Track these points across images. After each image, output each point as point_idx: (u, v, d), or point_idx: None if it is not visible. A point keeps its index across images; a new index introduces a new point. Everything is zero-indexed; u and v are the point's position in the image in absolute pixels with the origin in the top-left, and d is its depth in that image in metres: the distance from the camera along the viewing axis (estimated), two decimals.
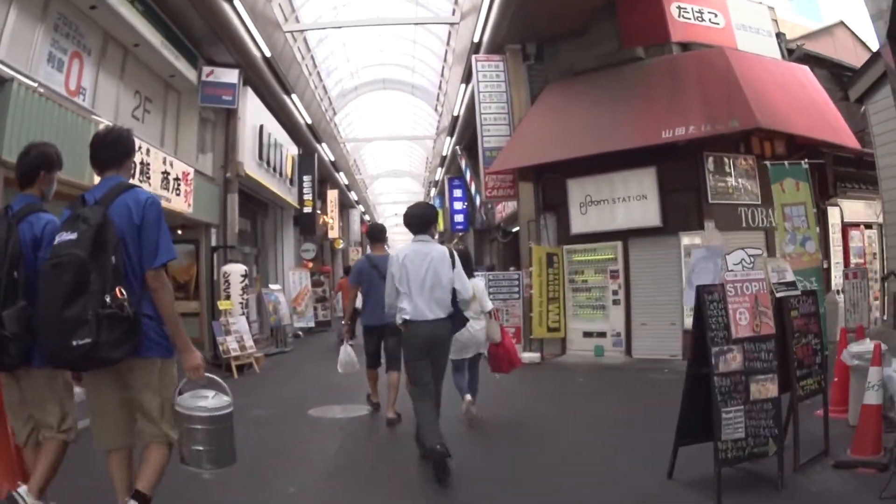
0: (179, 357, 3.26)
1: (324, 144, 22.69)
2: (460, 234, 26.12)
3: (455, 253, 5.45)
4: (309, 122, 19.66)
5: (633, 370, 10.52)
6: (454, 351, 6.33)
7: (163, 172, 10.55)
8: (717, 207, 10.91)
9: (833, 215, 12.46)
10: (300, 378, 10.93)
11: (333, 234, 26.40)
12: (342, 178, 28.52)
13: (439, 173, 27.84)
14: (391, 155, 38.32)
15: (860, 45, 15.57)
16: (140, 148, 9.51)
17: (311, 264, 22.48)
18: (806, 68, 12.04)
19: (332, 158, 24.86)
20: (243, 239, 17.11)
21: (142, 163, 9.77)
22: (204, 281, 13.13)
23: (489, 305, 6.81)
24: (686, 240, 10.78)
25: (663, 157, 10.83)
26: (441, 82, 23.13)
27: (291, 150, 18.81)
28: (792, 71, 11.82)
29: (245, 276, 12.61)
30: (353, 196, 33.72)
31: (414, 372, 5.27)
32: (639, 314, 11.45)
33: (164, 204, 10.16)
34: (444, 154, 24.35)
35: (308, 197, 20.01)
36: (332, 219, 26.42)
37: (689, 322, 10.49)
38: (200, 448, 3.25)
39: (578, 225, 11.89)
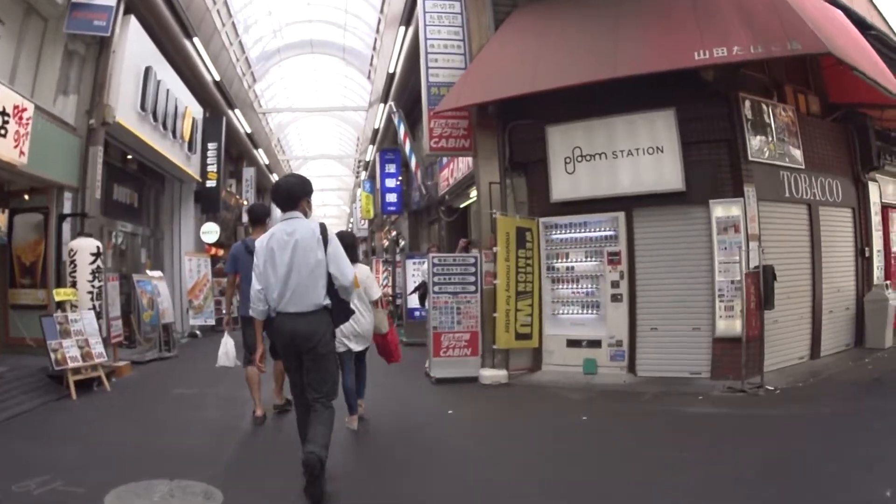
0: None
1: (237, 111, 19.36)
2: (393, 217, 23.06)
3: (328, 229, 4.61)
4: (217, 78, 16.42)
5: (650, 397, 7.56)
6: (341, 343, 5.93)
7: None
8: (758, 168, 8.24)
9: (873, 192, 10.06)
10: (157, 406, 7.66)
11: None
12: (262, 156, 25.11)
13: (370, 152, 24.73)
14: (319, 135, 34.92)
15: (873, 8, 13.45)
16: None
17: (221, 251, 19.11)
18: (840, 12, 9.52)
19: (249, 130, 21.52)
20: (129, 215, 13.79)
21: None
22: (52, 262, 9.76)
23: (376, 294, 6.43)
24: (719, 211, 8.02)
25: (685, 97, 8.10)
26: (375, 40, 20.02)
27: (193, 110, 15.41)
28: (829, 10, 9.23)
29: (97, 254, 9.26)
30: (275, 179, 30.34)
31: (286, 370, 4.73)
32: (647, 315, 8.53)
33: None
34: (376, 127, 21.29)
35: (212, 168, 16.59)
36: (247, 201, 22.95)
37: (722, 326, 7.76)
38: None
39: (563, 189, 8.86)
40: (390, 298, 17.59)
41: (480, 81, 8.78)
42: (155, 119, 12.58)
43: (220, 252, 20.03)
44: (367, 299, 6.22)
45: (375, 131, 21.58)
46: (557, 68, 8.08)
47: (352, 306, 5.63)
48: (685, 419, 6.55)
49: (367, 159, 26.10)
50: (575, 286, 8.94)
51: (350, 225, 41.96)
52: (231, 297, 7.08)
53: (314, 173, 41.00)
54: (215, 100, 17.36)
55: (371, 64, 22.36)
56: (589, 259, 8.85)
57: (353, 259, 6.03)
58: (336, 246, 4.52)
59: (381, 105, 18.80)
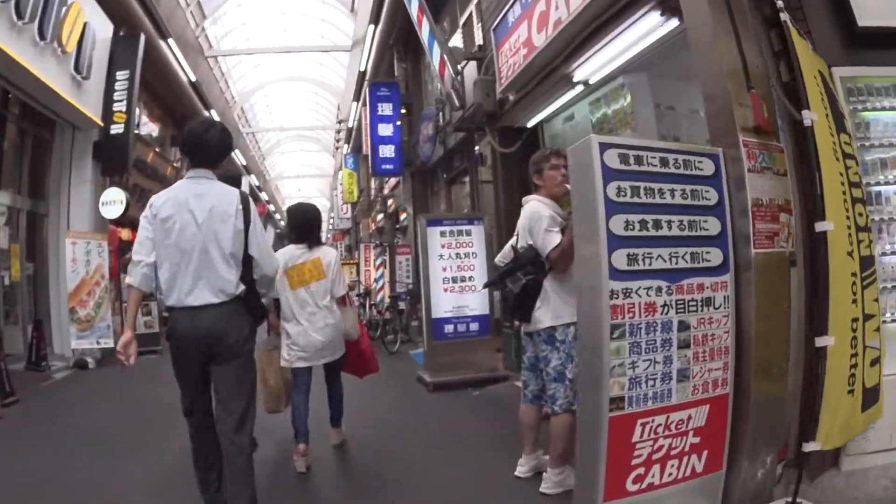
0: None
1: (173, 44, 13.89)
2: (387, 185, 17.71)
3: (250, 199, 3.25)
4: None
5: None
6: (299, 358, 4.35)
7: None
8: None
9: None
10: None
11: None
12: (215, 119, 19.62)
13: (354, 112, 19.35)
14: (291, 106, 29.52)
15: None
16: None
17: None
18: None
19: (194, 78, 16.11)
20: None
21: None
22: None
23: (342, 289, 4.53)
24: None
25: None
26: None
27: (90, 14, 9.99)
28: None
29: None
30: (240, 160, 24.96)
31: (182, 393, 3.25)
32: None
33: None
34: (361, 69, 15.96)
35: (121, 107, 11.00)
36: None
37: None
38: None
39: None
40: (388, 301, 12.36)
41: None
42: None
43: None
44: (333, 295, 4.44)
45: (362, 74, 16.18)
46: None
47: (318, 305, 4.37)
48: None
49: (351, 123, 20.73)
50: None
51: (331, 219, 36.47)
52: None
53: (289, 152, 35.68)
54: (135, 16, 11.96)
55: None
56: None
57: (317, 240, 4.53)
58: (258, 224, 3.25)
59: (371, 28, 13.52)
